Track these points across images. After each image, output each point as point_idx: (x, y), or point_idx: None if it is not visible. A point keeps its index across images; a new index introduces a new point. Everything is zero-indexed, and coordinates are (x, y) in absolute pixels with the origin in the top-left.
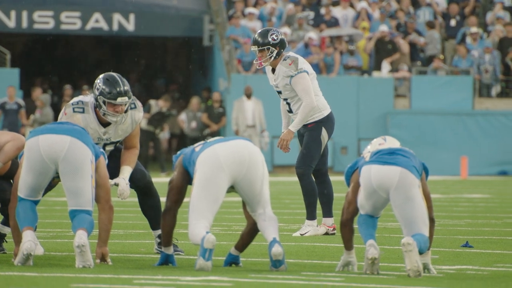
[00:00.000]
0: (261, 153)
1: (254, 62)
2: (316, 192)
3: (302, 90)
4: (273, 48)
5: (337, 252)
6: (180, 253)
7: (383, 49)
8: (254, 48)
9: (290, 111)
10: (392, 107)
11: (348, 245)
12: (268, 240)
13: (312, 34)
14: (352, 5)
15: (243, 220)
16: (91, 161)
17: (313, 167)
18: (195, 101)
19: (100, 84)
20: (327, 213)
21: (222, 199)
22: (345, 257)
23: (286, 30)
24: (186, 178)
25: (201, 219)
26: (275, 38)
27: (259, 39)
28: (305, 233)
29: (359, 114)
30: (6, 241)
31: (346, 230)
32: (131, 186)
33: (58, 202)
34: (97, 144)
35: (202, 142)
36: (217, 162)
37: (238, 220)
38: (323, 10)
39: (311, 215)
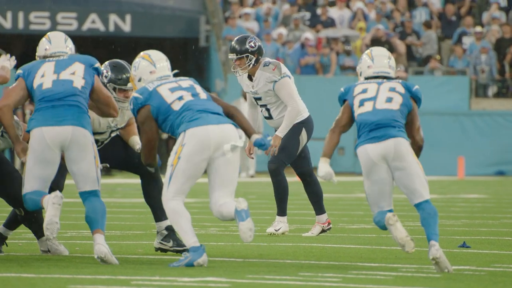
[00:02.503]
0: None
1: (232, 69)
2: (287, 189)
3: (287, 94)
4: (252, 56)
5: (335, 252)
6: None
7: None
8: (232, 56)
9: (269, 117)
10: None
11: (329, 153)
12: (232, 210)
13: (309, 35)
14: (348, 6)
15: None
16: (92, 143)
17: (286, 164)
18: None
19: (108, 72)
20: (319, 210)
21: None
22: (325, 167)
23: (282, 30)
24: (157, 129)
25: (179, 195)
26: (253, 45)
27: (237, 47)
28: (279, 229)
29: None
30: (7, 245)
31: (335, 135)
32: (134, 172)
33: None
34: (104, 132)
35: (175, 91)
36: (207, 143)
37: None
38: (319, 11)
39: (282, 211)
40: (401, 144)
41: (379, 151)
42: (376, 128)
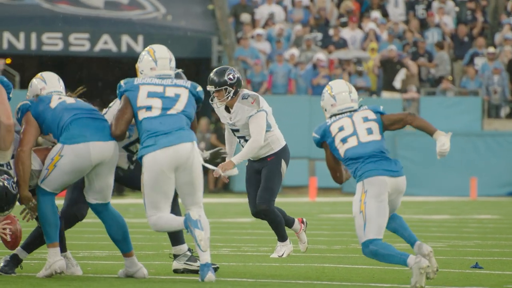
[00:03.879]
0: (198, 158)
1: (210, 101)
2: (282, 219)
3: (257, 128)
4: (230, 88)
5: (347, 273)
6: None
7: (391, 69)
8: (211, 88)
9: None
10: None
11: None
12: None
13: (321, 55)
14: (360, 26)
15: (253, 241)
16: None
17: (274, 200)
18: (204, 122)
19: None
20: (282, 238)
21: (173, 191)
22: None
23: (294, 51)
24: (132, 114)
25: (156, 211)
26: (232, 77)
27: (216, 79)
28: (282, 254)
29: None
30: (21, 267)
31: (341, 179)
32: None
33: None
34: None
35: (151, 98)
36: (157, 168)
37: (248, 241)
38: (331, 31)
39: (282, 238)
40: (404, 181)
41: (393, 184)
42: (380, 160)
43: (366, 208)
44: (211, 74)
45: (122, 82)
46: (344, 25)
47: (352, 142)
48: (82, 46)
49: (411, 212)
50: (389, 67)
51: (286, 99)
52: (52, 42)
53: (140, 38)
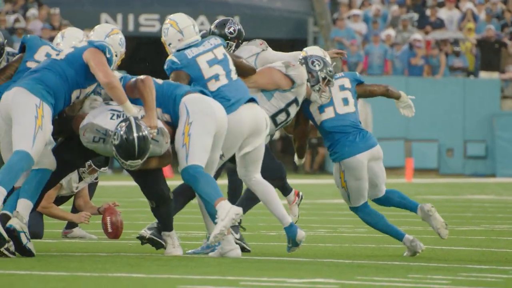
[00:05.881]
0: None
1: None
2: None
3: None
4: (231, 42)
5: (444, 254)
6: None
7: (489, 50)
8: None
9: None
10: (499, 109)
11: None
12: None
13: (417, 36)
14: (457, 6)
15: (349, 222)
16: None
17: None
18: None
19: (320, 62)
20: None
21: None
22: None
23: (390, 32)
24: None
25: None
26: (233, 31)
27: (216, 33)
28: (297, 214)
29: (465, 115)
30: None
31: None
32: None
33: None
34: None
35: (213, 65)
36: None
37: (344, 222)
38: (428, 12)
39: (286, 191)
40: (379, 149)
41: (368, 156)
42: (351, 132)
43: (348, 185)
44: (212, 26)
45: (174, 58)
46: (441, 5)
47: (329, 113)
48: None
49: (508, 194)
50: (486, 47)
51: (382, 80)
52: (149, 24)
53: (236, 19)
